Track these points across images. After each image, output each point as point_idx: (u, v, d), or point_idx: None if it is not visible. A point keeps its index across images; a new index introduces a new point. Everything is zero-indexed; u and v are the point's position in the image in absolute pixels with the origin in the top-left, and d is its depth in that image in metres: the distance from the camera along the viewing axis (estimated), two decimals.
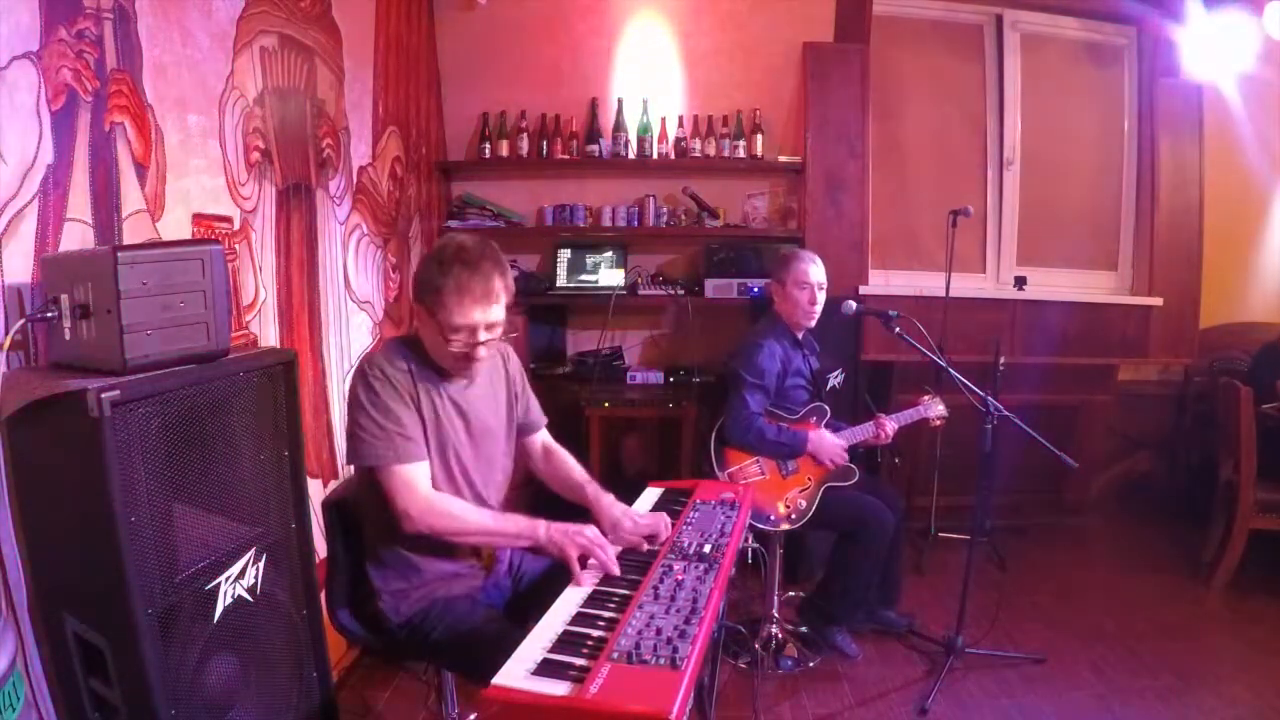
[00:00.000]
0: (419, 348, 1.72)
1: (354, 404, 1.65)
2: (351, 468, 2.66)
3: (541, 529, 1.66)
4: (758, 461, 2.65)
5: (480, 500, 1.78)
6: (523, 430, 1.95)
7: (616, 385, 3.77)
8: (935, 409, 2.80)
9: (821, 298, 2.72)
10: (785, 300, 2.75)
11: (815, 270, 2.71)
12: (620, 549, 1.71)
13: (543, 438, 2.01)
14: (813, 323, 2.76)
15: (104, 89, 1.64)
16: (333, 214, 2.72)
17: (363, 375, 1.66)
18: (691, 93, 3.95)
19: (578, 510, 1.84)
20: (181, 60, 1.89)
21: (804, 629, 2.86)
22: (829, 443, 2.67)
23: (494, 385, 1.86)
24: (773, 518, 2.61)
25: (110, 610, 1.34)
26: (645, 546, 1.73)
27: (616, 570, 1.60)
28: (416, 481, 1.62)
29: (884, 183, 3.94)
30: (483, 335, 1.63)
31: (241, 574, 1.58)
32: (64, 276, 1.41)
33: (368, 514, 1.75)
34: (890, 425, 2.73)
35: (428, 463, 1.66)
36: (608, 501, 1.83)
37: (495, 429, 1.84)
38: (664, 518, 1.79)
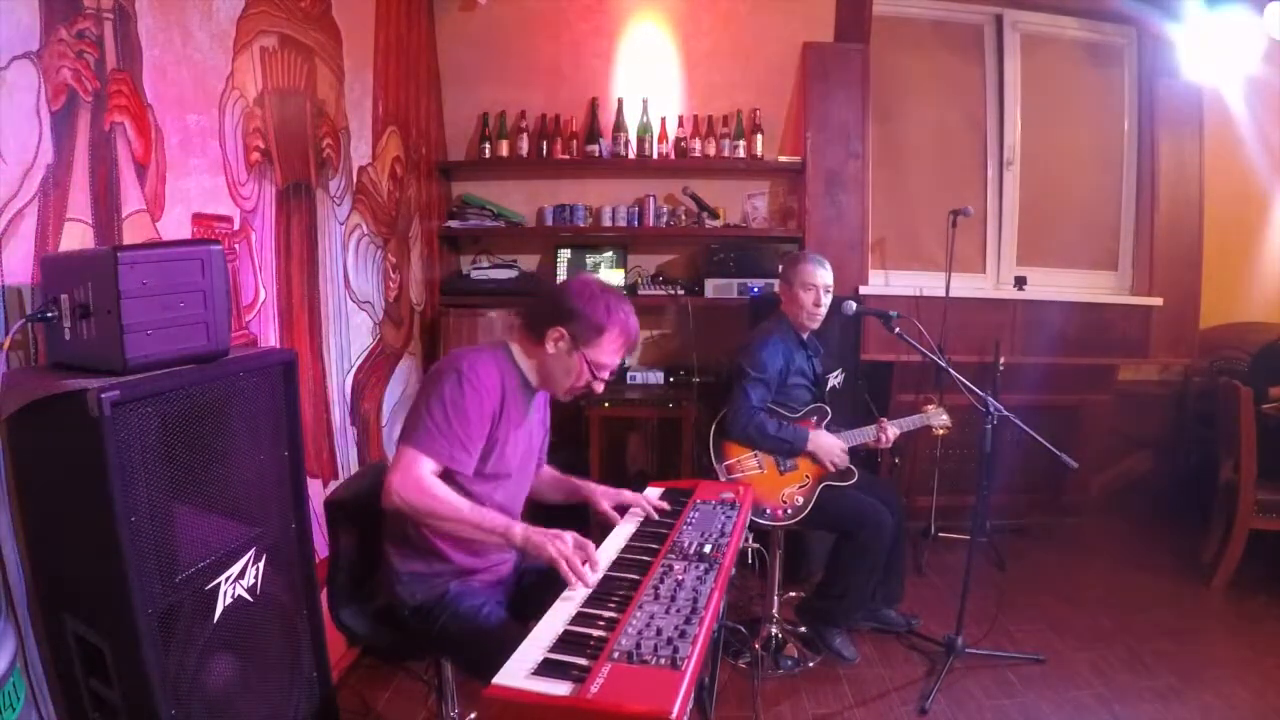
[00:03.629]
0: (510, 361, 1.79)
1: (436, 392, 1.66)
2: (352, 467, 2.67)
3: (518, 529, 1.64)
4: (756, 456, 2.65)
5: (509, 511, 1.82)
6: None
7: (616, 385, 3.77)
8: (939, 419, 2.79)
9: (827, 300, 2.71)
10: (791, 301, 2.75)
11: (821, 273, 2.70)
12: (617, 554, 1.72)
13: None
14: (817, 324, 2.76)
15: (104, 89, 1.64)
16: (333, 214, 2.72)
17: (459, 372, 1.66)
18: (691, 93, 3.95)
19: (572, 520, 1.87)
20: (181, 60, 1.89)
21: (803, 629, 2.86)
22: (830, 444, 2.66)
23: (545, 409, 1.99)
24: (769, 512, 2.61)
25: (110, 610, 1.34)
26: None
27: (588, 584, 1.54)
28: (422, 468, 1.63)
29: (884, 183, 3.94)
30: (608, 375, 1.79)
31: (241, 574, 1.58)
32: (64, 276, 1.41)
33: None
34: (892, 430, 2.73)
35: (440, 467, 1.66)
36: (594, 486, 2.01)
37: (536, 450, 1.97)
38: (645, 497, 1.99)
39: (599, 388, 1.80)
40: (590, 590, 1.53)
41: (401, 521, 1.73)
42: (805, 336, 2.79)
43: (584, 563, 1.58)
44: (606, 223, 3.87)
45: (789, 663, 2.74)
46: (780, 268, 3.00)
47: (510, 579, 1.90)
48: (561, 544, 1.59)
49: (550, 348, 1.74)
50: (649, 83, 3.90)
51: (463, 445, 1.65)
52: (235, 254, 2.12)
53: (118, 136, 1.69)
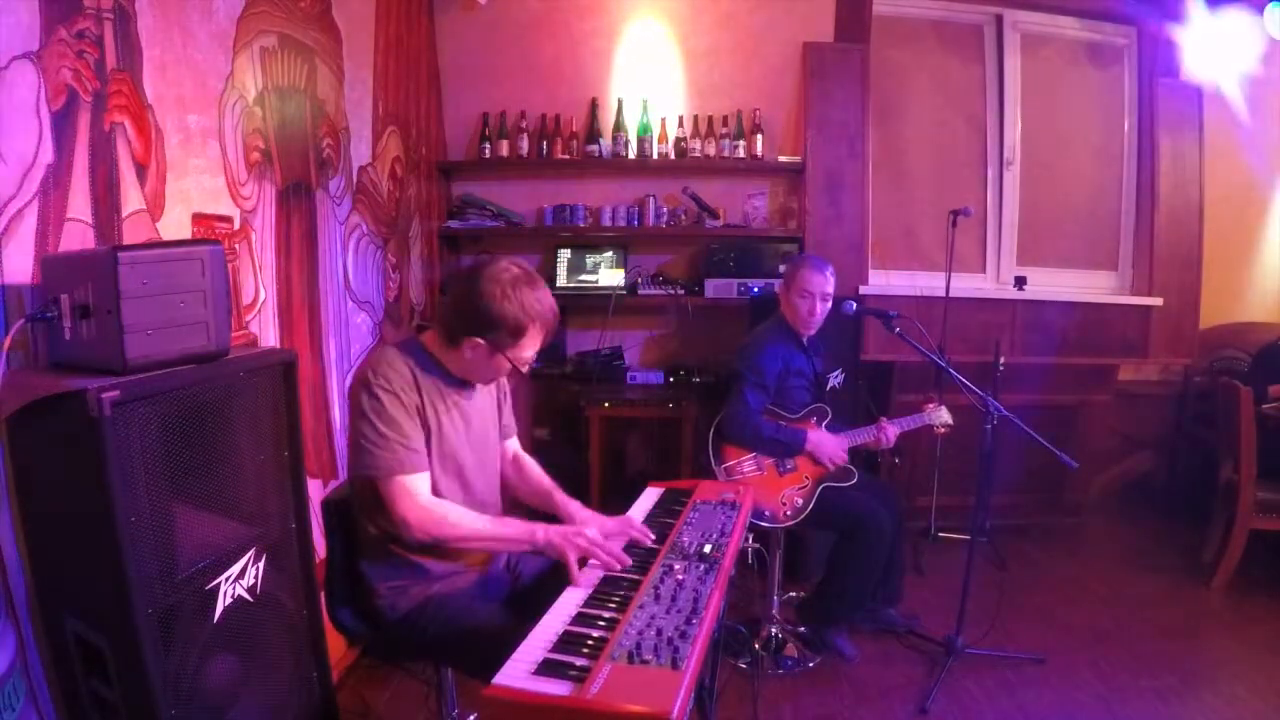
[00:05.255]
0: (423, 353, 1.73)
1: (357, 412, 1.64)
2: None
3: (539, 532, 1.65)
4: (755, 458, 2.65)
5: (480, 503, 1.79)
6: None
7: (616, 385, 3.77)
8: (940, 417, 2.78)
9: (824, 308, 2.69)
10: (787, 306, 2.74)
11: (818, 280, 2.67)
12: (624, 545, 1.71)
13: (513, 445, 2.03)
14: (812, 331, 2.75)
15: (104, 89, 1.64)
16: (333, 214, 2.72)
17: (366, 383, 1.63)
18: (691, 93, 3.95)
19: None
20: (181, 60, 1.89)
21: (803, 629, 2.86)
22: (829, 442, 2.66)
23: (489, 388, 1.89)
24: (769, 514, 2.61)
25: (110, 610, 1.34)
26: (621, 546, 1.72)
27: (628, 561, 1.60)
28: (417, 491, 1.62)
29: (884, 183, 3.94)
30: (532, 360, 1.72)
31: (241, 574, 1.58)
32: (64, 276, 1.41)
33: (363, 514, 1.75)
34: (891, 430, 2.72)
35: (428, 473, 1.67)
36: (575, 507, 1.85)
37: (491, 431, 1.89)
38: (631, 519, 1.79)
39: (525, 370, 1.74)
40: (590, 589, 1.53)
41: (371, 538, 1.72)
42: (805, 338, 2.79)
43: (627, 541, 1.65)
44: (606, 223, 3.88)
45: (789, 663, 2.74)
46: (782, 268, 2.99)
47: (503, 576, 1.90)
48: (583, 540, 1.61)
49: (468, 354, 1.67)
50: (649, 83, 3.91)
51: (408, 448, 1.62)
52: (235, 254, 2.12)
53: (118, 136, 1.69)
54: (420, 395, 1.68)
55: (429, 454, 1.69)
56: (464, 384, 1.77)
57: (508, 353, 1.66)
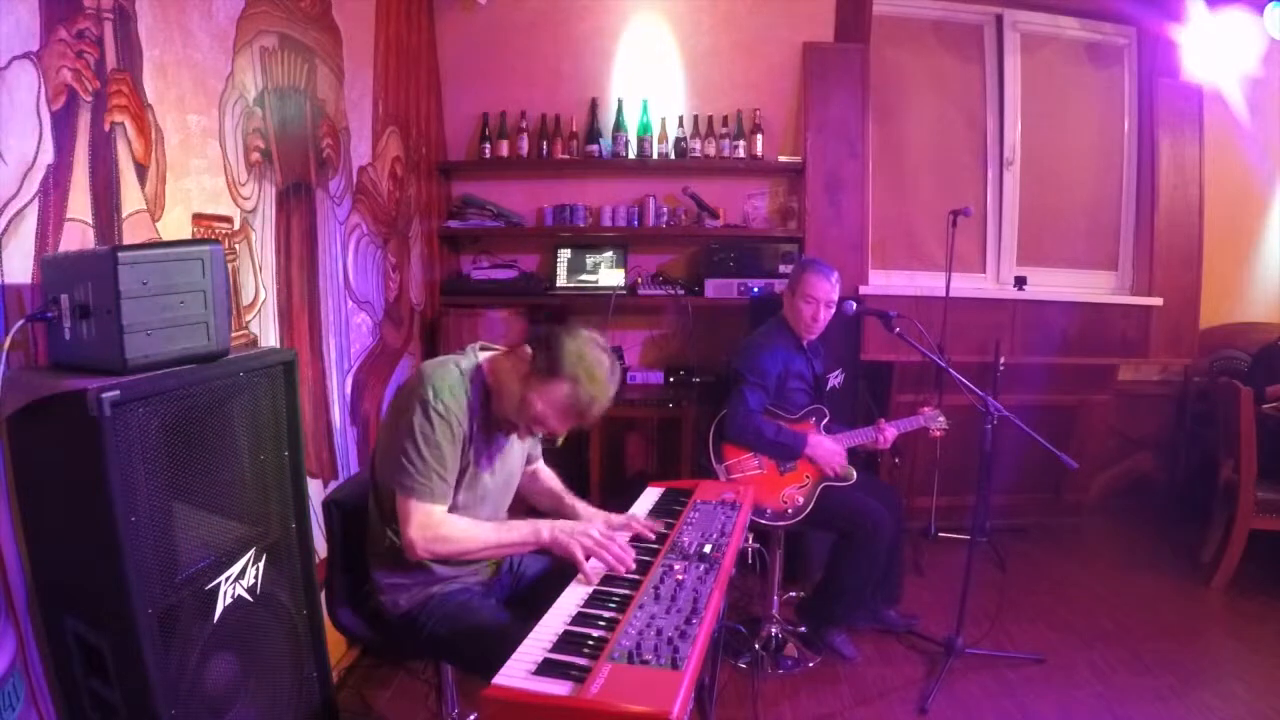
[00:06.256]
0: (482, 387, 1.73)
1: (405, 424, 1.62)
2: (352, 467, 2.67)
3: (545, 530, 1.66)
4: (756, 457, 2.65)
5: (500, 512, 1.83)
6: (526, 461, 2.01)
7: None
8: (937, 420, 2.80)
9: (827, 315, 2.69)
10: (790, 309, 2.74)
11: (824, 286, 2.66)
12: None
13: (536, 465, 2.07)
14: (814, 336, 2.75)
15: (104, 89, 1.64)
16: (333, 214, 2.72)
17: (425, 401, 1.62)
18: (691, 93, 3.95)
19: None
20: (181, 60, 1.89)
21: (803, 629, 2.86)
22: (828, 448, 2.66)
23: None
24: (769, 513, 2.61)
25: (110, 610, 1.34)
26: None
27: (632, 564, 1.61)
28: (430, 516, 1.62)
29: (884, 183, 3.94)
30: (561, 431, 1.73)
31: (241, 574, 1.59)
32: (64, 276, 1.41)
33: (384, 520, 1.74)
34: (890, 431, 2.73)
35: (447, 505, 1.66)
36: (582, 506, 1.95)
37: (519, 461, 1.93)
38: (635, 515, 1.85)
39: (537, 430, 1.74)
40: (591, 589, 1.53)
41: (378, 538, 1.73)
42: (805, 341, 2.79)
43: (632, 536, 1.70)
44: (606, 223, 3.87)
45: (789, 663, 2.74)
46: (783, 268, 2.97)
47: (506, 578, 1.90)
48: (589, 539, 1.62)
49: (509, 362, 1.70)
50: (649, 82, 3.90)
51: (441, 478, 1.63)
52: (235, 254, 2.12)
53: (118, 136, 1.68)
54: (470, 429, 1.68)
55: (462, 480, 1.70)
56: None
57: (534, 388, 1.64)
